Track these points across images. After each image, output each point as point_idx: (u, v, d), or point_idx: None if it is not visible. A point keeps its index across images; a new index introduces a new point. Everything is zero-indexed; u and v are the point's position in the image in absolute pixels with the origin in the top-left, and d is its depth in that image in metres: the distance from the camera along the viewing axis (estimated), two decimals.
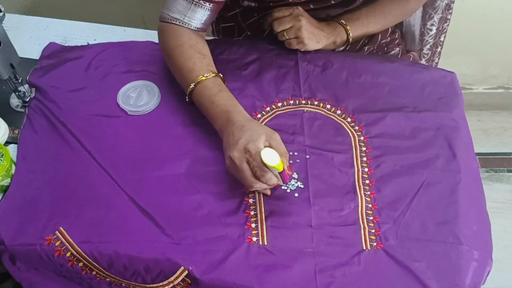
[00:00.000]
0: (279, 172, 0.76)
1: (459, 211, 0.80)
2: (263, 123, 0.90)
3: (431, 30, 1.16)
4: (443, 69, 1.01)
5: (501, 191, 1.63)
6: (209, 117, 0.87)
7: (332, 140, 0.89)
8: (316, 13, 1.01)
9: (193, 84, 0.87)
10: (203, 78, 0.87)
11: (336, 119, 0.92)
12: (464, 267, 0.75)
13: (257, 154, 0.75)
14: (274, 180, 0.77)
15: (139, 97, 0.93)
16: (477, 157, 1.70)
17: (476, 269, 0.75)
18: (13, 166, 0.85)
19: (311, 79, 0.97)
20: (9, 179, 0.83)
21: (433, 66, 1.22)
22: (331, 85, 0.96)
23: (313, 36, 0.98)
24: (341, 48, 1.06)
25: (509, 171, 1.68)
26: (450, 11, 1.15)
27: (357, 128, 0.90)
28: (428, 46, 1.19)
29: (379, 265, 0.75)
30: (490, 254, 0.78)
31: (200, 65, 0.89)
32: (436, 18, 1.13)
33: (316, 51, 1.00)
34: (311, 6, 0.98)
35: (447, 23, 1.17)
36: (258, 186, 0.77)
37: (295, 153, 0.87)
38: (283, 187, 0.83)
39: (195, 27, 0.92)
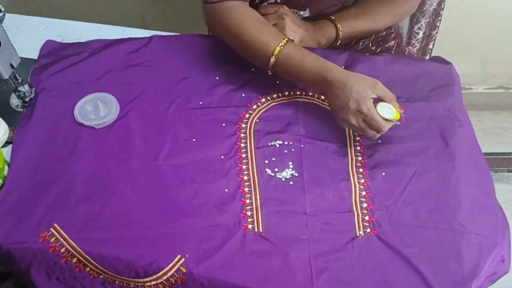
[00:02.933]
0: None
1: (452, 198, 0.82)
2: (259, 114, 0.92)
3: (417, 34, 1.17)
4: (439, 61, 1.01)
5: (501, 191, 1.62)
6: (303, 84, 0.90)
7: (326, 130, 0.90)
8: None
9: (273, 57, 0.87)
10: (281, 47, 0.87)
11: (330, 109, 0.93)
12: (458, 252, 0.76)
13: (371, 113, 0.81)
14: (390, 125, 0.83)
15: (97, 110, 0.91)
16: None
17: (474, 254, 0.76)
18: (6, 168, 0.84)
19: None
20: (1, 180, 0.83)
21: None
22: None
23: (296, 36, 0.99)
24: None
25: (509, 171, 1.68)
26: (439, 18, 1.15)
27: None
28: (414, 50, 1.19)
29: (372, 250, 0.77)
30: (495, 239, 0.78)
31: (271, 35, 0.88)
32: (423, 22, 1.14)
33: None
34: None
35: (436, 31, 1.18)
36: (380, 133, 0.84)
37: (290, 143, 0.88)
38: (278, 176, 0.84)
39: None
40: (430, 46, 1.21)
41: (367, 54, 1.08)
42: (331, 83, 0.82)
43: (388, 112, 0.81)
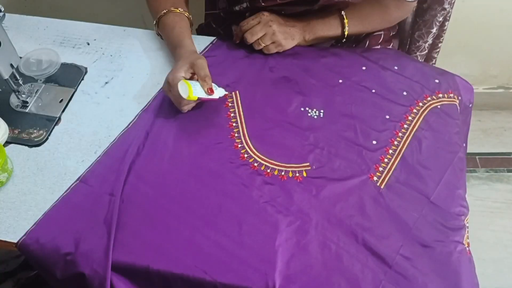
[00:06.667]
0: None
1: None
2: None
3: (418, 41, 1.14)
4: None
5: (501, 191, 1.62)
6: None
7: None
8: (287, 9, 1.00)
9: (155, 22, 1.01)
10: (162, 14, 0.99)
11: None
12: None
13: (174, 86, 0.84)
14: (186, 101, 0.86)
15: (39, 63, 0.99)
16: (477, 157, 1.69)
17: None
18: (9, 161, 0.84)
19: None
20: (6, 173, 0.82)
21: None
22: None
23: (288, 36, 0.99)
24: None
25: (509, 171, 1.68)
26: (444, 28, 1.14)
27: None
28: (413, 55, 1.18)
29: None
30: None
31: (164, 4, 1.00)
32: (424, 31, 1.12)
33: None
34: (278, 1, 0.96)
35: (440, 40, 1.17)
36: (185, 108, 0.89)
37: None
38: None
39: None
40: (435, 55, 1.19)
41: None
42: (176, 57, 0.94)
43: (184, 90, 0.83)
